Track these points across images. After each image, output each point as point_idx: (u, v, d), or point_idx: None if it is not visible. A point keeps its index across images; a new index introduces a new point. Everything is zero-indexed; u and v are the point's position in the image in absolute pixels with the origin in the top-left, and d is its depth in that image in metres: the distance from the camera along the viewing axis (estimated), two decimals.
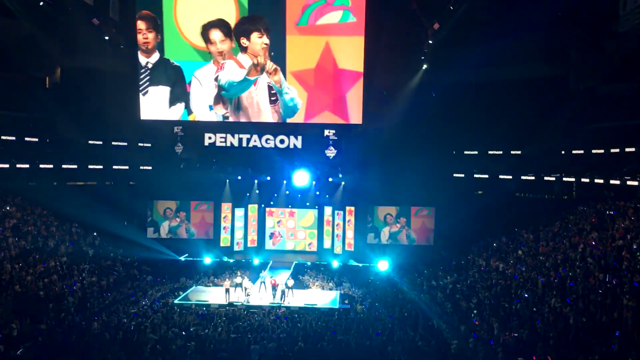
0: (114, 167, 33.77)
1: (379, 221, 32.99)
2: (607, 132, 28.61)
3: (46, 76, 31.93)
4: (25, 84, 29.88)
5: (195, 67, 28.09)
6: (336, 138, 30.51)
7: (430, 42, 28.94)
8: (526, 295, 19.45)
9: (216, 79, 27.81)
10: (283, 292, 24.52)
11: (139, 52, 28.08)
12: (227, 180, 33.63)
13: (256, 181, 34.05)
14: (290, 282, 25.25)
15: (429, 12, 27.77)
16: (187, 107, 28.64)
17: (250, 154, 31.43)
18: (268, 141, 30.38)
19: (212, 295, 25.13)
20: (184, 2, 27.46)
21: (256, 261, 31.45)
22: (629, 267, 18.15)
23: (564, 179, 29.76)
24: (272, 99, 28.16)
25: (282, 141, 30.40)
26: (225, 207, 33.52)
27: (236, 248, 33.41)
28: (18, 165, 29.27)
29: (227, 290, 24.59)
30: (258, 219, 34.38)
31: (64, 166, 31.50)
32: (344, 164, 32.14)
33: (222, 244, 33.19)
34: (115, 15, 28.14)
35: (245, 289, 24.82)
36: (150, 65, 28.27)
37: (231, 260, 31.42)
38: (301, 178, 32.56)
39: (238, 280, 25.41)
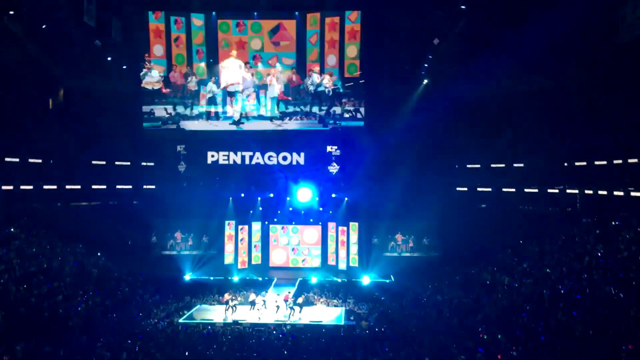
0: (118, 186, 33.84)
1: (382, 236, 32.91)
2: (610, 143, 28.55)
3: (49, 97, 32.13)
4: (28, 105, 30.02)
5: None
6: (339, 154, 30.61)
7: (430, 57, 29.16)
8: (531, 309, 19.32)
9: None
10: (292, 309, 24.49)
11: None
12: (231, 198, 33.66)
13: (259, 198, 33.95)
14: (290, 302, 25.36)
15: (429, 27, 27.95)
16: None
17: (253, 171, 31.50)
18: (271, 158, 30.54)
19: (216, 314, 25.00)
20: None
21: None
22: (635, 279, 18.04)
23: (567, 190, 29.67)
24: None
25: (284, 158, 30.54)
26: (229, 225, 33.52)
27: (240, 266, 33.27)
28: (22, 187, 29.34)
29: (234, 307, 24.77)
30: (261, 236, 34.32)
31: (67, 187, 31.60)
32: (347, 179, 32.19)
33: (226, 262, 33.12)
34: (117, 36, 28.39)
35: (254, 304, 25.04)
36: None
37: (236, 279, 31.31)
38: (304, 194, 32.55)
39: (252, 297, 25.69)
